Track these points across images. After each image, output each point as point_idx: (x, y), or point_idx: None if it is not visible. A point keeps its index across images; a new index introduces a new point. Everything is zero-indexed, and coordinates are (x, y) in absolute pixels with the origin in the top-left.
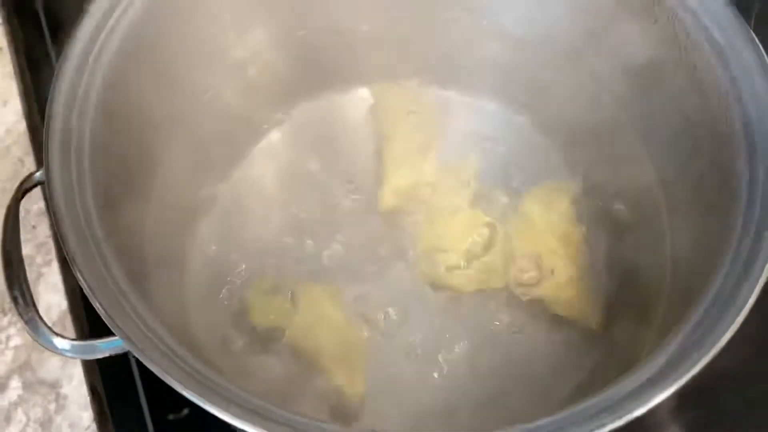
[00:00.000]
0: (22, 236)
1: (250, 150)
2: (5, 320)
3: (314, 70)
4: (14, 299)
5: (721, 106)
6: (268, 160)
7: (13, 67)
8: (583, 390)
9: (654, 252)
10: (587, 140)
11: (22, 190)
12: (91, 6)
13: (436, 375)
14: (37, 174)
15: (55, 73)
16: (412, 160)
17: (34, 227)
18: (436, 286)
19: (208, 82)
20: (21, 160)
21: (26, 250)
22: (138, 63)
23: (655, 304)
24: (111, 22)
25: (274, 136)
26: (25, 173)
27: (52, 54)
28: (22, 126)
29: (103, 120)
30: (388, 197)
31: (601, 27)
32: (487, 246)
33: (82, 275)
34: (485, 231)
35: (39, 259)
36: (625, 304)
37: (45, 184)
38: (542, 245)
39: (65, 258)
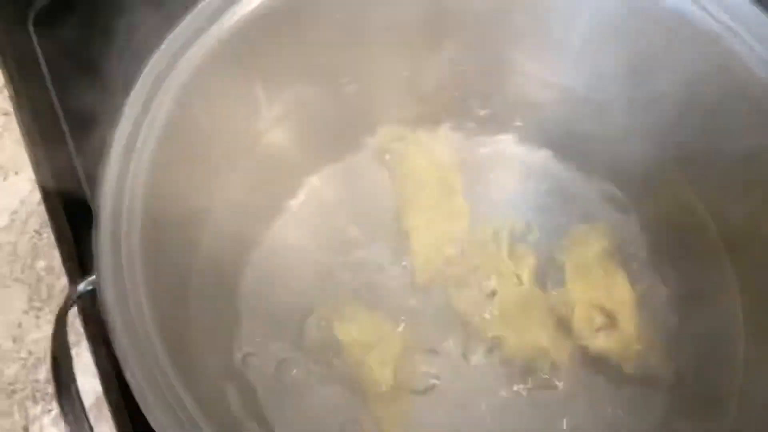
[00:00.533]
0: (47, 317)
1: (277, 218)
2: (37, 409)
3: (338, 129)
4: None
5: None
6: (296, 227)
7: (22, 133)
8: None
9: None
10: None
11: (69, 304)
12: (125, 110)
13: None
14: (81, 285)
15: (99, 182)
16: (438, 230)
17: (58, 305)
18: (488, 348)
19: (234, 159)
20: (38, 233)
21: (51, 330)
22: (173, 159)
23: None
24: (144, 128)
25: (301, 200)
26: (43, 247)
27: (61, 117)
28: (37, 196)
29: (150, 222)
30: (419, 274)
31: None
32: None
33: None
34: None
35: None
36: (696, 350)
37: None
38: (599, 299)
39: (95, 338)
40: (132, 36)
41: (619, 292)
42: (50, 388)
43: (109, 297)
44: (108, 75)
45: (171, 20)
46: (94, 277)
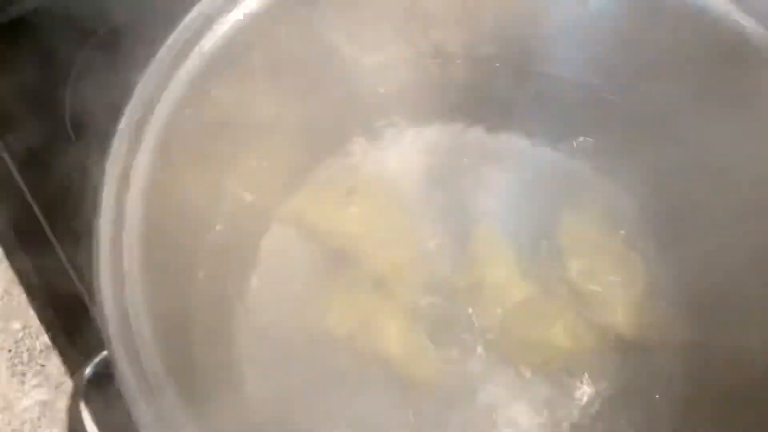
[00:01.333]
0: (33, 380)
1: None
2: None
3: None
4: None
5: None
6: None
7: None
8: None
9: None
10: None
11: (80, 394)
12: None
13: None
14: (88, 370)
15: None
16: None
17: (42, 366)
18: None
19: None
20: (8, 293)
21: (40, 395)
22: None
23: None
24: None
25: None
26: (15, 307)
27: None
28: None
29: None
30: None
31: None
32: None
33: None
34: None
35: (59, 404)
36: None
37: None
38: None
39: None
40: None
41: (630, 271)
42: None
43: (126, 374)
44: None
45: None
46: (100, 357)
